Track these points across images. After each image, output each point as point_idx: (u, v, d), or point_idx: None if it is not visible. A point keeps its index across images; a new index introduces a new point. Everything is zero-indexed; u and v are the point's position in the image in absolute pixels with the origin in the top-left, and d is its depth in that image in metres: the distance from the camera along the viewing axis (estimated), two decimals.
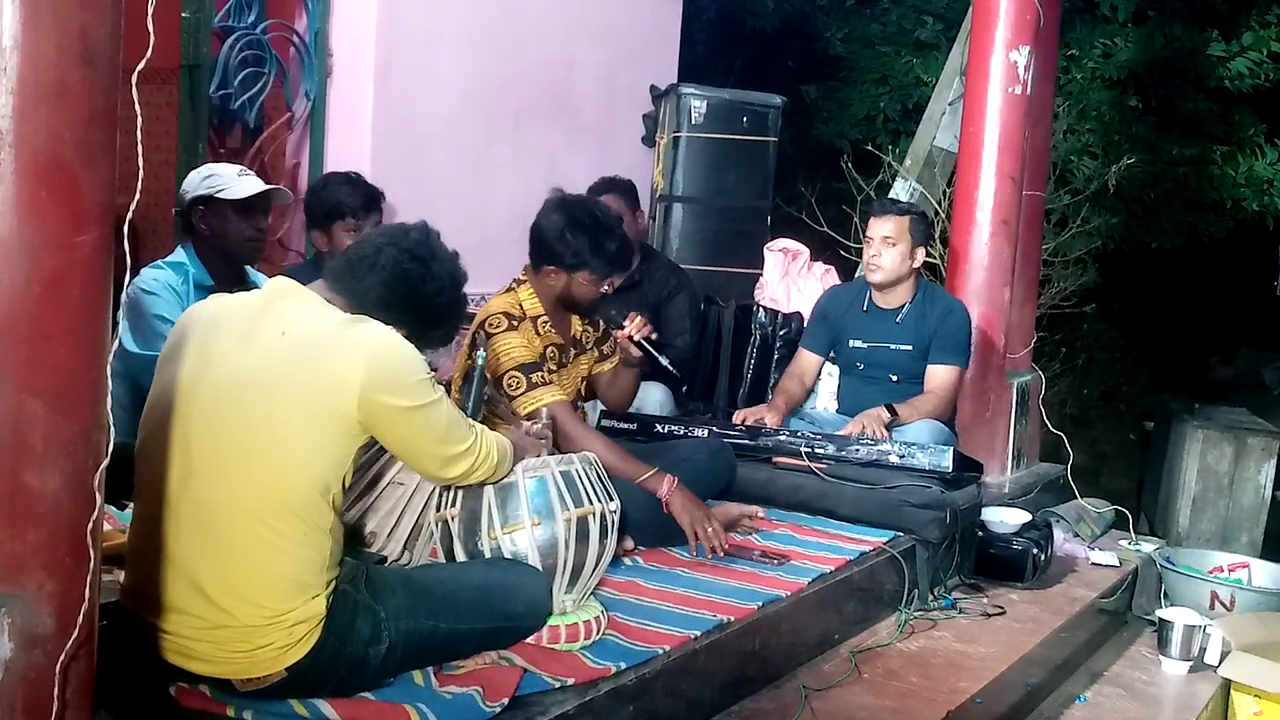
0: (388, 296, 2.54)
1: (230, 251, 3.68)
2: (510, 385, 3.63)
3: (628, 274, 5.13)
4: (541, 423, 3.08)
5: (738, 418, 4.61)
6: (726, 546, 3.60)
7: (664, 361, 3.95)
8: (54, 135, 1.69)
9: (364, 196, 4.35)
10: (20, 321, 1.68)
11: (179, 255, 3.70)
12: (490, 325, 3.69)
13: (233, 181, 3.65)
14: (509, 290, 3.85)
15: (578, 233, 3.72)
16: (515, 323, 3.70)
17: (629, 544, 3.55)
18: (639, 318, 3.94)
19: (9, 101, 1.65)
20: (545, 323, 3.81)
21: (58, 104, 1.69)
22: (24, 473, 1.69)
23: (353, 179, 4.52)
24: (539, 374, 3.65)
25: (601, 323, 4.04)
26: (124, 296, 3.40)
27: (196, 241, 3.70)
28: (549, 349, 3.81)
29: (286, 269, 4.59)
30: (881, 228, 4.71)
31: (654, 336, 3.95)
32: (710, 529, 3.57)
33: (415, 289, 2.56)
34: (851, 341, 4.86)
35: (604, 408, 4.54)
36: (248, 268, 3.79)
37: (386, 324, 2.52)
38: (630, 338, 3.89)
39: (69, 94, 1.70)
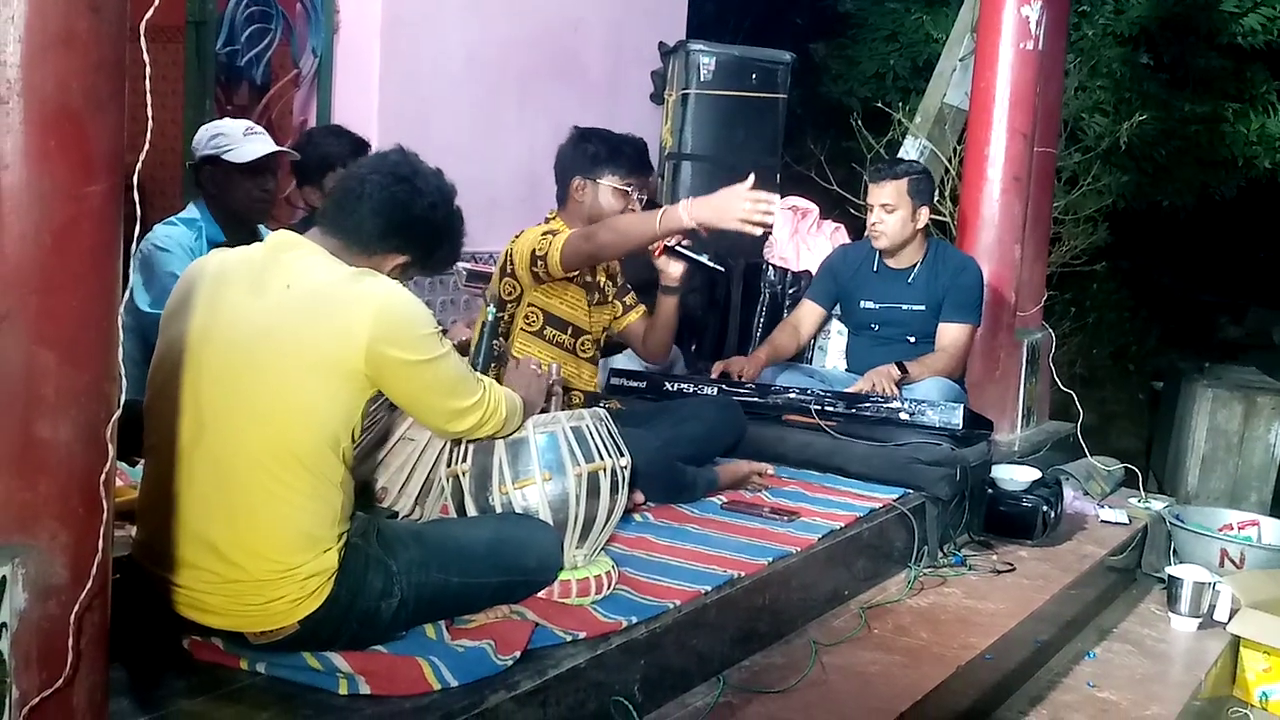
0: (382, 224, 2.52)
1: (237, 211, 3.65)
2: (539, 248, 3.64)
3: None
4: (553, 378, 3.07)
5: (715, 370, 4.57)
6: (773, 211, 3.39)
7: (705, 259, 3.88)
8: (62, 84, 1.68)
9: (351, 145, 4.24)
10: (31, 272, 1.67)
11: (192, 211, 3.68)
12: (531, 236, 3.73)
13: (239, 142, 3.61)
14: (542, 223, 3.86)
15: (593, 138, 3.83)
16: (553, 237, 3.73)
17: (639, 498, 3.55)
18: None
19: (17, 50, 1.64)
20: None
21: (65, 52, 1.67)
22: (36, 423, 1.68)
23: (336, 130, 4.49)
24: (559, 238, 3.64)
25: (619, 276, 4.04)
26: (135, 251, 3.40)
27: (206, 199, 3.68)
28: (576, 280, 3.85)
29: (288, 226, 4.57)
30: (879, 194, 4.67)
31: (688, 243, 3.89)
32: (747, 198, 3.35)
33: (406, 209, 2.53)
34: (863, 303, 4.83)
35: (614, 367, 4.55)
36: (260, 225, 3.78)
37: (388, 253, 2.53)
38: (668, 248, 3.84)
39: (76, 42, 1.68)
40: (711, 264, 3.92)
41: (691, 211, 3.39)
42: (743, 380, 4.48)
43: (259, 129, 3.72)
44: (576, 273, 3.75)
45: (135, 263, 3.48)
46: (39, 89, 1.66)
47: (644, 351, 4.16)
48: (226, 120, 3.80)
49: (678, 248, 3.84)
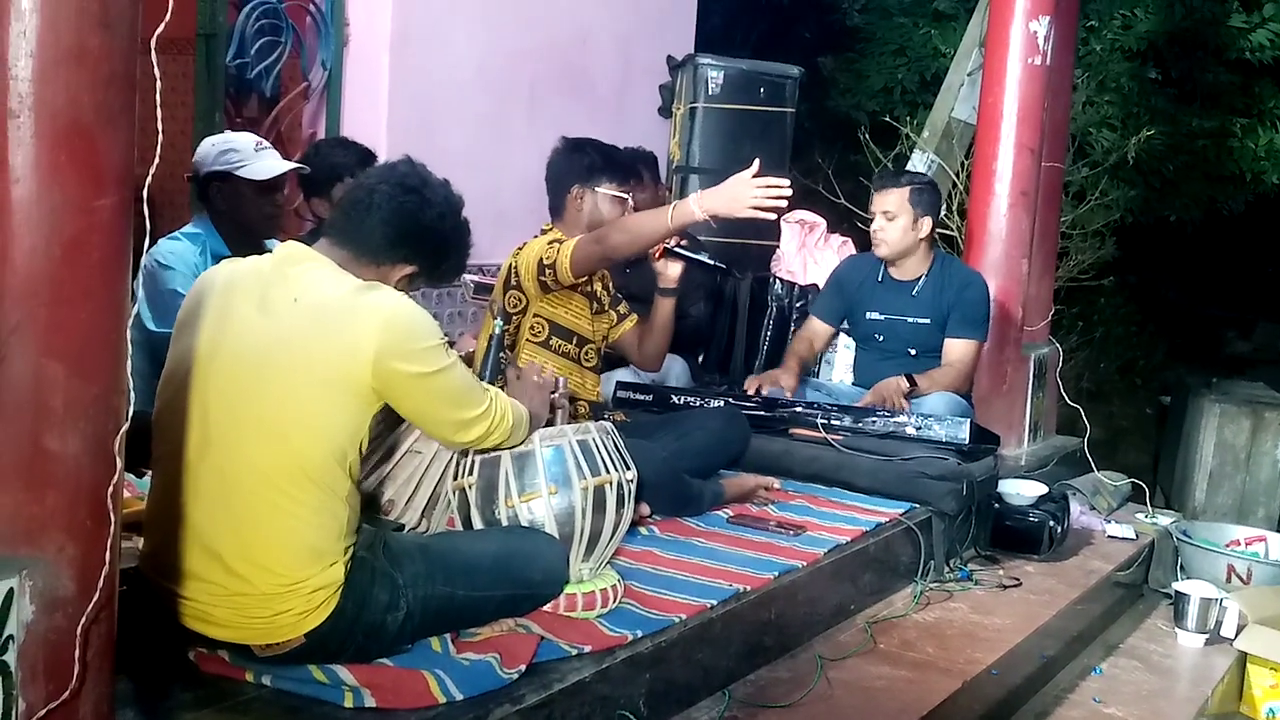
0: (391, 235, 2.52)
1: (249, 227, 3.64)
2: (546, 257, 3.67)
3: None
4: (559, 391, 3.08)
5: (749, 385, 4.56)
6: (785, 193, 3.39)
7: (705, 258, 3.88)
8: (73, 98, 1.69)
9: (358, 156, 4.23)
10: (41, 284, 1.68)
11: (196, 226, 3.66)
12: (536, 247, 3.75)
13: (251, 157, 3.59)
14: (540, 235, 3.89)
15: (587, 147, 3.85)
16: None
17: (644, 510, 3.55)
18: None
19: (29, 64, 1.65)
20: None
21: (77, 67, 1.69)
22: (44, 436, 1.69)
23: (343, 142, 4.50)
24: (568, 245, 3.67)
25: (612, 286, 4.05)
26: (141, 266, 3.39)
27: (213, 214, 3.67)
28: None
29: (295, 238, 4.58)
30: (881, 202, 4.67)
31: (685, 244, 3.89)
32: (756, 184, 3.38)
33: (415, 220, 2.54)
34: (868, 314, 4.84)
35: (620, 379, 4.54)
36: (268, 240, 3.77)
37: (396, 264, 2.53)
38: (666, 249, 3.83)
39: (88, 57, 1.69)
40: (711, 261, 3.92)
41: (702, 204, 3.42)
42: (779, 399, 4.47)
43: (266, 143, 3.70)
44: (584, 280, 3.76)
45: (140, 277, 3.47)
46: (50, 103, 1.67)
47: (639, 359, 4.16)
48: (232, 134, 3.78)
49: (676, 248, 3.84)
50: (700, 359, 5.75)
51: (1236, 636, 4.23)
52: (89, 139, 1.71)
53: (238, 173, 3.57)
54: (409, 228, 2.53)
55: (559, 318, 3.82)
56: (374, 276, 2.50)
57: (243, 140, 3.67)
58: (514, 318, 3.78)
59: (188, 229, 3.66)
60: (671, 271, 3.88)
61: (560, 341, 3.83)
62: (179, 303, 2.54)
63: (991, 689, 3.43)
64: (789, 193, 3.41)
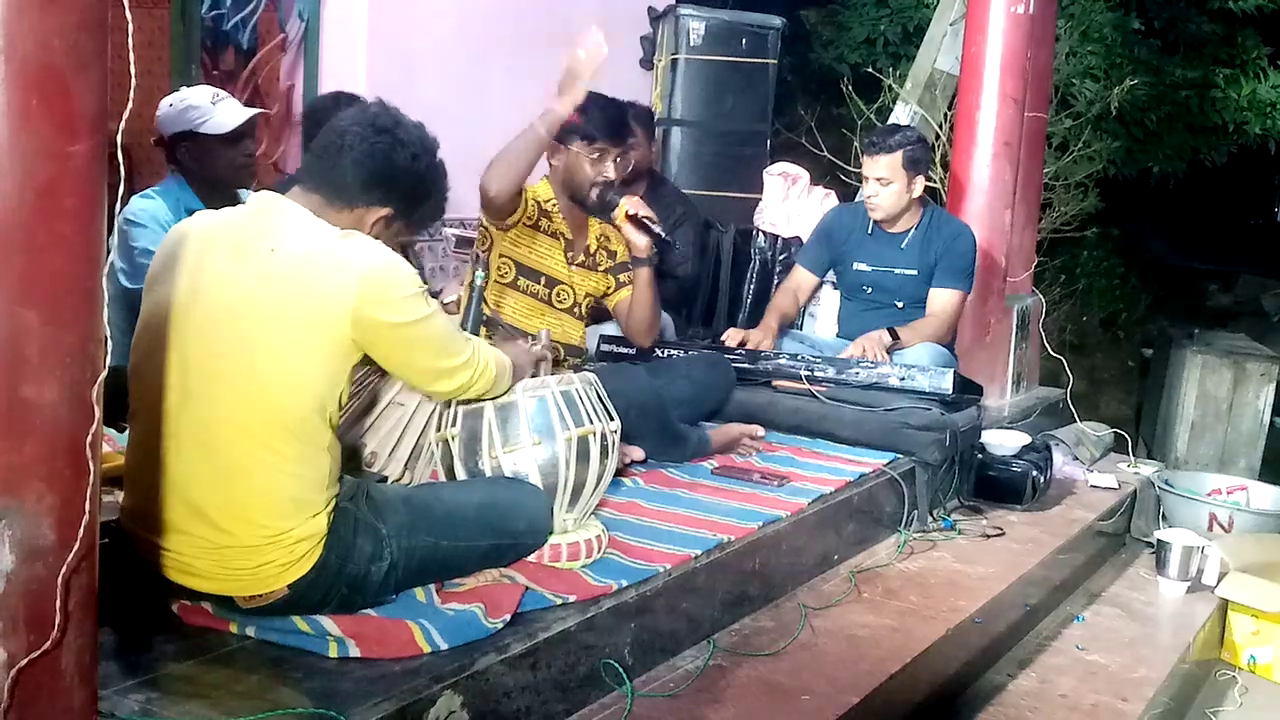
0: (365, 177, 2.47)
1: (221, 181, 3.59)
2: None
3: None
4: (542, 343, 3.07)
5: (731, 339, 4.55)
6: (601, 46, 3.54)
7: (657, 229, 3.82)
8: (44, 42, 1.65)
9: None
10: (14, 232, 1.65)
11: (170, 183, 3.61)
12: None
13: (211, 112, 3.53)
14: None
15: None
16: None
17: (639, 454, 3.55)
18: (635, 197, 3.89)
19: None
20: (552, 205, 3.91)
21: (47, 10, 1.65)
22: (21, 385, 1.67)
23: (349, 97, 4.46)
24: None
25: (619, 254, 4.01)
26: (115, 224, 3.35)
27: (184, 173, 3.62)
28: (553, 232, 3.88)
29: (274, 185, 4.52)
30: (874, 168, 4.63)
31: (649, 214, 3.85)
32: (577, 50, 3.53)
33: (389, 160, 2.49)
34: (855, 265, 4.82)
35: (603, 333, 4.53)
36: (240, 190, 3.73)
37: (371, 206, 2.49)
38: (629, 216, 3.80)
39: (59, 0, 1.66)
40: (664, 236, 3.85)
41: (562, 102, 3.51)
42: (761, 351, 4.46)
43: (223, 94, 3.63)
44: (518, 213, 3.76)
45: (114, 236, 3.43)
46: (20, 47, 1.63)
47: (626, 330, 4.15)
48: (186, 91, 3.67)
49: (639, 215, 3.81)
50: (684, 313, 5.74)
51: (1218, 584, 4.27)
52: (61, 84, 1.67)
53: (201, 129, 3.51)
54: (382, 169, 2.49)
55: (523, 257, 3.83)
56: (349, 221, 2.47)
57: (199, 95, 3.59)
58: (484, 258, 3.76)
59: (159, 186, 3.61)
60: (639, 240, 3.84)
61: (528, 282, 3.83)
62: (147, 260, 2.50)
63: (975, 637, 3.46)
64: (604, 50, 3.52)
